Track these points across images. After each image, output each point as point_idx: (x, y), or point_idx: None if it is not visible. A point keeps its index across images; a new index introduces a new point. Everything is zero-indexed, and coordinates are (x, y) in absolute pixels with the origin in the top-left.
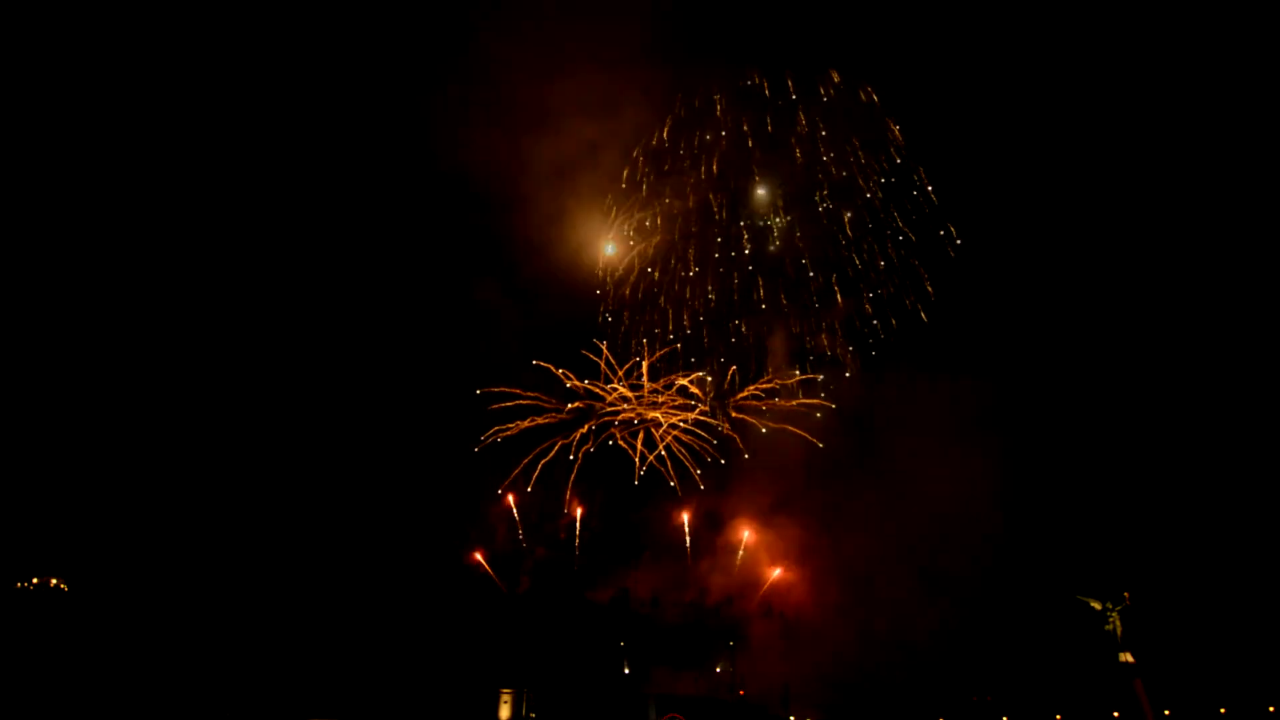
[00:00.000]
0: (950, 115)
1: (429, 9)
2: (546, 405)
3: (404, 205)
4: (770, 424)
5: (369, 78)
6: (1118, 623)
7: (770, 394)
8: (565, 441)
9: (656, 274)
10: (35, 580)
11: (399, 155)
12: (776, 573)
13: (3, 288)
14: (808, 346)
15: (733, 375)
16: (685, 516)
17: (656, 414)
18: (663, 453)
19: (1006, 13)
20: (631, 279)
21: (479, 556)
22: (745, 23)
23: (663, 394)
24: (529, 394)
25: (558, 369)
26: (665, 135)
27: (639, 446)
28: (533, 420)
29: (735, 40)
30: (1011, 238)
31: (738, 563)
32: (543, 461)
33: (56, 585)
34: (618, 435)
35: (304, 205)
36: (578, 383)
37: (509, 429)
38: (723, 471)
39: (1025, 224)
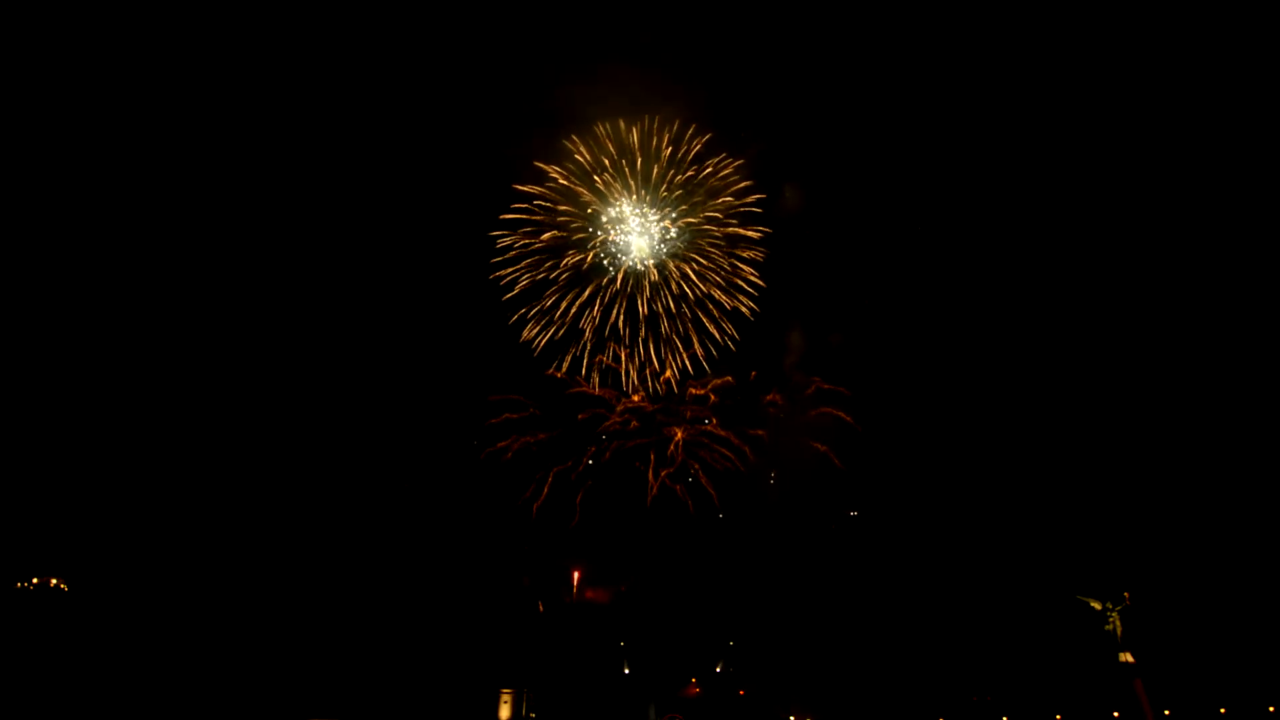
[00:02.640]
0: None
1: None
2: (541, 423)
3: (416, 206)
4: (783, 436)
5: (382, 79)
6: (1118, 623)
7: (789, 404)
8: (579, 457)
9: (685, 278)
10: (35, 580)
11: (417, 156)
12: None
13: (3, 288)
14: (830, 346)
15: (754, 379)
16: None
17: (676, 430)
18: (677, 469)
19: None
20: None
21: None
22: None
23: (681, 406)
24: (535, 408)
25: (573, 379)
26: (700, 145)
27: (651, 461)
28: (535, 436)
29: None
30: (1010, 240)
31: None
32: (555, 469)
33: (56, 585)
34: (627, 445)
35: (310, 207)
36: (591, 390)
37: (509, 443)
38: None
39: (1024, 225)
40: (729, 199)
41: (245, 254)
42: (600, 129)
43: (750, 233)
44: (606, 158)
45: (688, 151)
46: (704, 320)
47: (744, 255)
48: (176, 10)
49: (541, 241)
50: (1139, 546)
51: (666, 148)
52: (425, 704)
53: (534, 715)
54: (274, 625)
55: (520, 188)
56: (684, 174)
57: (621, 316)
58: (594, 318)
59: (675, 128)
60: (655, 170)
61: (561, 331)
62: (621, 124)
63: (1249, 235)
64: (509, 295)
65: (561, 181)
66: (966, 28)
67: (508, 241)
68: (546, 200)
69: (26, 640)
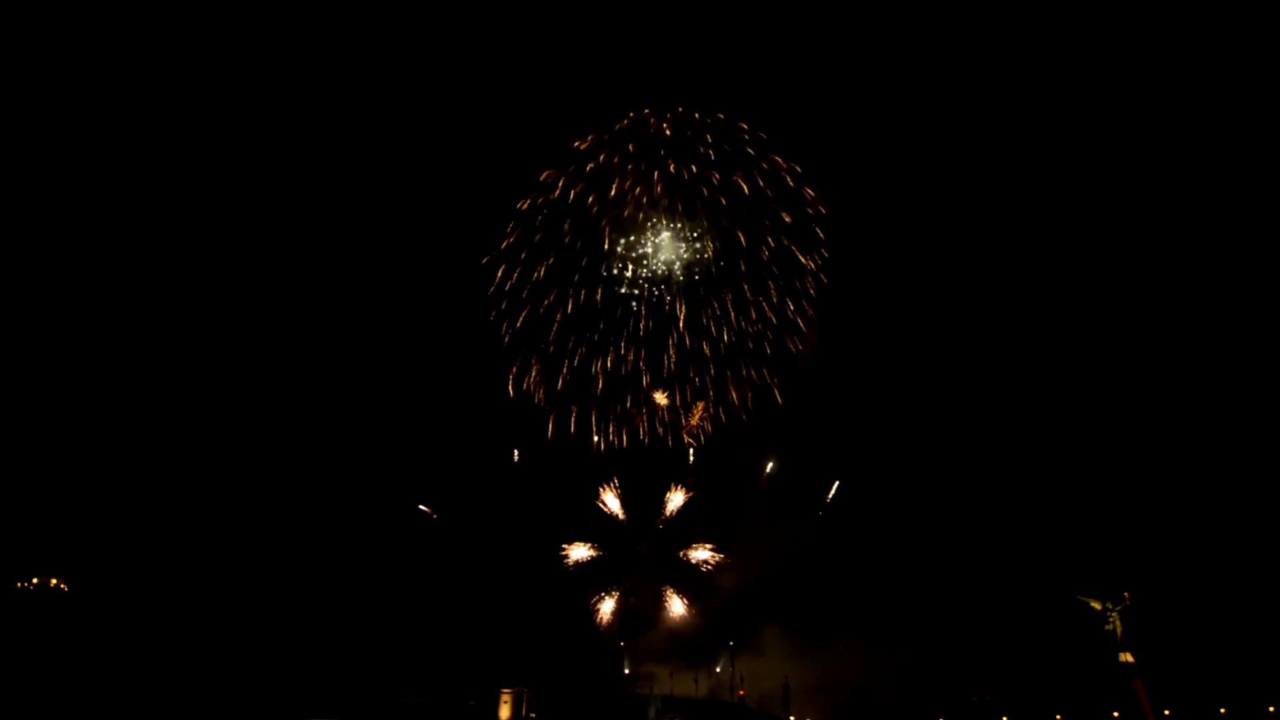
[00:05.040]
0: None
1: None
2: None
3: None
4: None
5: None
6: (1118, 623)
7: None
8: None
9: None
10: (35, 580)
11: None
12: None
13: (3, 288)
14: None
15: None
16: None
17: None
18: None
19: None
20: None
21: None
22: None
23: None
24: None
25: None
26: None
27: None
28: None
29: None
30: (1011, 240)
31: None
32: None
33: (56, 585)
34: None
35: (309, 207)
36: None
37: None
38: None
39: (1023, 226)
40: (783, 213)
41: (244, 254)
42: (622, 124)
43: (807, 260)
44: (627, 160)
45: (732, 151)
46: (746, 369)
47: (798, 285)
48: (174, 14)
49: (545, 267)
50: (1139, 546)
51: (706, 147)
52: (425, 704)
53: (534, 715)
54: (273, 625)
55: (521, 205)
56: (728, 178)
57: (641, 362)
58: (607, 366)
59: (716, 121)
60: (691, 172)
61: (565, 382)
62: (649, 114)
63: (1248, 235)
64: (508, 335)
65: (573, 193)
66: (973, 32)
67: (505, 270)
68: (551, 216)
69: (26, 640)
